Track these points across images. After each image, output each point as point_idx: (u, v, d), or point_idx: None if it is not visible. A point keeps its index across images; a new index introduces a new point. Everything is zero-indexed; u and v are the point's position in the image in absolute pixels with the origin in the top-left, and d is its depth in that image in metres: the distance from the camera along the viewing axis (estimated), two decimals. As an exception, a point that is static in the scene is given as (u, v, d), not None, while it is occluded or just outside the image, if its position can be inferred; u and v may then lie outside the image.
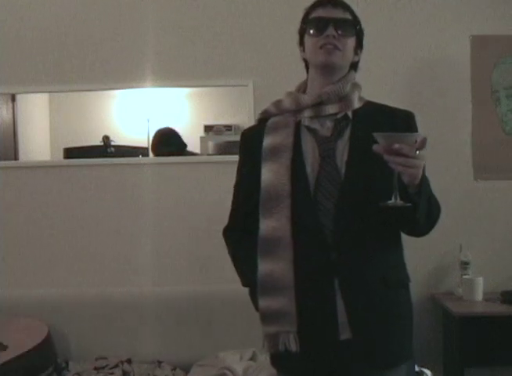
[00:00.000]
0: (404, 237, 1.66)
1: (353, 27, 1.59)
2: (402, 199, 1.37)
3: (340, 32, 1.55)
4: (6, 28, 3.11)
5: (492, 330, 2.73)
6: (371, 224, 1.55)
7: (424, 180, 1.43)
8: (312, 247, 1.54)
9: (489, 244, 3.07)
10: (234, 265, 1.72)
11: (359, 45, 1.64)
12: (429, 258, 3.05)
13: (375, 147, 1.36)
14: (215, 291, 2.92)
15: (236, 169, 1.74)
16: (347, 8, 1.60)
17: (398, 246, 1.64)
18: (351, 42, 1.59)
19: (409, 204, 1.37)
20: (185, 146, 3.48)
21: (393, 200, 1.37)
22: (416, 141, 1.33)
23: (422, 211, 1.44)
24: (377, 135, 1.35)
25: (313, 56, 1.60)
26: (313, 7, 1.62)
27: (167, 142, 3.48)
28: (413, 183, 1.38)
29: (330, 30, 1.55)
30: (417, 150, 1.34)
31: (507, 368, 2.86)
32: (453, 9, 3.08)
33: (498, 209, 3.08)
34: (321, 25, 1.56)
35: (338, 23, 1.56)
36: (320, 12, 1.58)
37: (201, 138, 3.78)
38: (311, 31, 1.59)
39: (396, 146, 1.31)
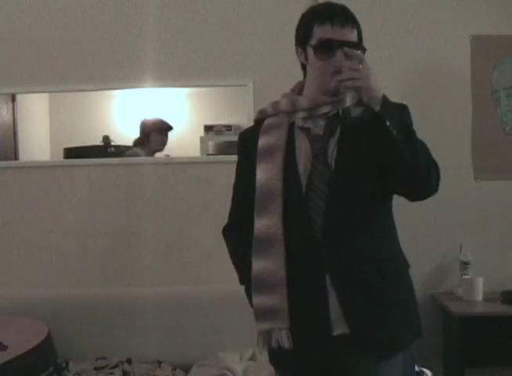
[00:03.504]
0: (402, 235, 1.66)
1: (361, 47, 1.57)
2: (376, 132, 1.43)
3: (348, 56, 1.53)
4: (6, 28, 3.11)
5: (492, 330, 2.74)
6: (362, 219, 1.57)
7: (391, 105, 1.45)
8: (304, 245, 1.57)
9: (489, 244, 3.07)
10: (233, 264, 1.75)
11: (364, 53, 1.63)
12: (429, 258, 3.05)
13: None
14: (215, 291, 2.93)
15: (235, 169, 1.77)
16: (354, 22, 1.57)
17: (392, 235, 1.65)
18: None
19: (362, 107, 1.42)
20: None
21: (351, 113, 1.44)
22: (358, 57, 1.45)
23: (399, 137, 1.42)
24: None
25: (320, 79, 1.59)
26: (320, 19, 1.56)
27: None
28: (370, 97, 1.42)
29: (339, 56, 1.52)
30: (360, 64, 1.42)
31: (507, 368, 2.86)
32: (453, 9, 3.08)
33: (498, 209, 3.08)
34: (329, 48, 1.54)
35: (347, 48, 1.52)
36: (328, 32, 1.54)
37: (201, 138, 3.79)
38: (319, 54, 1.56)
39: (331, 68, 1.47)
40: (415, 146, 1.46)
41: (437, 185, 1.53)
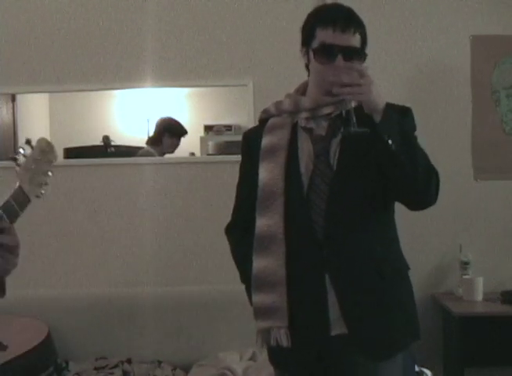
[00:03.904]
0: (402, 235, 1.67)
1: (361, 53, 1.57)
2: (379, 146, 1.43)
3: (348, 62, 1.53)
4: (6, 28, 3.11)
5: (492, 330, 2.73)
6: (362, 219, 1.58)
7: (392, 115, 1.45)
8: (304, 244, 1.58)
9: (489, 244, 3.06)
10: (234, 262, 1.76)
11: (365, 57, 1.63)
12: (429, 258, 3.05)
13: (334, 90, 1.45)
14: (215, 291, 2.93)
15: (236, 169, 1.79)
16: (356, 27, 1.56)
17: (392, 236, 1.66)
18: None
19: (366, 129, 1.41)
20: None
21: (351, 128, 1.42)
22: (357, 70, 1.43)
23: (399, 148, 1.43)
24: None
25: (320, 82, 1.59)
26: (322, 23, 1.56)
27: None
28: (371, 109, 1.42)
29: (339, 61, 1.52)
30: (361, 78, 1.41)
31: (507, 368, 2.86)
32: (453, 9, 3.07)
33: (498, 209, 3.08)
34: (329, 54, 1.54)
35: (347, 53, 1.53)
36: (329, 37, 1.54)
37: (201, 138, 3.78)
38: (319, 58, 1.57)
39: (331, 78, 1.43)
40: (415, 156, 1.47)
41: (436, 194, 1.54)
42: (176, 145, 3.53)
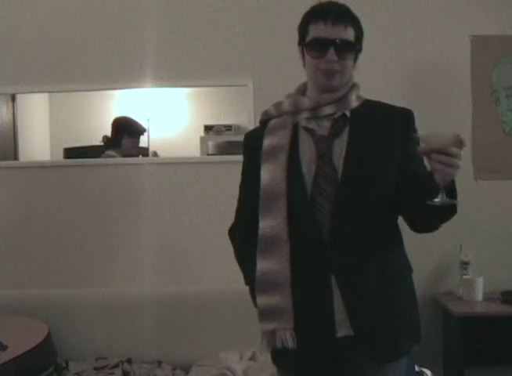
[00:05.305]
0: (404, 236, 1.67)
1: (354, 46, 1.58)
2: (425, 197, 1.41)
3: (340, 55, 1.55)
4: (6, 28, 3.11)
5: (492, 330, 2.73)
6: (368, 220, 1.57)
7: (453, 184, 1.46)
8: (309, 245, 1.57)
9: (489, 244, 3.07)
10: (238, 264, 1.75)
11: (359, 52, 1.63)
12: (429, 258, 3.05)
13: (420, 150, 1.42)
14: (215, 291, 2.92)
15: (237, 169, 1.78)
16: (348, 21, 1.56)
17: (397, 239, 1.66)
18: (351, 61, 1.59)
19: (455, 201, 1.41)
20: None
21: (439, 199, 1.40)
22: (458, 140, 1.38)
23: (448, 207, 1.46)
24: (422, 136, 1.43)
25: (313, 76, 1.61)
26: (314, 18, 1.58)
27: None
28: (445, 180, 1.41)
29: (331, 55, 1.54)
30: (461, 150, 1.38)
31: (507, 368, 2.86)
32: (453, 9, 3.08)
33: (498, 209, 3.08)
34: (321, 47, 1.55)
35: (339, 46, 1.54)
36: (321, 31, 1.55)
37: (201, 138, 3.78)
38: (311, 52, 1.58)
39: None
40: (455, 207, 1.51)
41: None
42: (137, 144, 3.44)
